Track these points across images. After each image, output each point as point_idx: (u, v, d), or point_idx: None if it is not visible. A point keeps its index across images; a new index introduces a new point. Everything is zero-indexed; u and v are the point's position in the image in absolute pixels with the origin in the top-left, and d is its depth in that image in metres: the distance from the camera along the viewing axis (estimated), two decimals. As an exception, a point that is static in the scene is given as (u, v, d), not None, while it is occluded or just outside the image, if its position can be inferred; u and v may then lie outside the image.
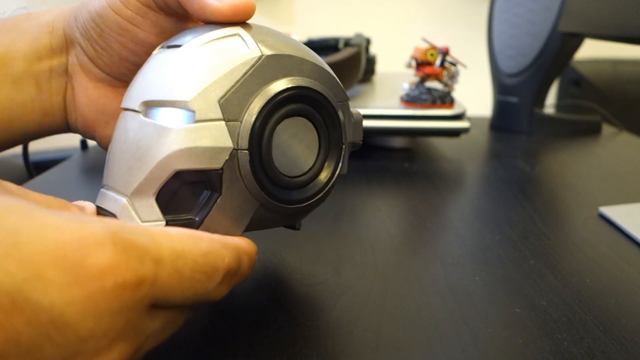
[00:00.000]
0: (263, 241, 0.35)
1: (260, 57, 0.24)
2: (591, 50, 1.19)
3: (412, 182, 0.49)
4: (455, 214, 0.42)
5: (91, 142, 0.60)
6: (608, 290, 0.31)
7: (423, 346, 0.25)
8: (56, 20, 0.30)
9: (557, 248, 0.36)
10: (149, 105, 0.23)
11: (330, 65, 0.56)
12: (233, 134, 0.23)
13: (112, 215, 0.23)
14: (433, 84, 0.59)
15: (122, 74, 0.30)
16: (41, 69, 0.30)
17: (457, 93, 0.84)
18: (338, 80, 0.27)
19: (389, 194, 0.46)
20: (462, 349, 0.25)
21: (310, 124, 0.25)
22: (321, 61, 0.26)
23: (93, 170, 0.52)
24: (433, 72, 0.56)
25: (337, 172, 0.27)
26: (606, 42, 0.57)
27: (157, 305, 0.19)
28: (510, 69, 0.72)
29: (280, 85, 0.24)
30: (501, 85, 0.74)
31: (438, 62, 0.56)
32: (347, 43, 0.68)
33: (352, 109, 0.28)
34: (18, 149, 0.59)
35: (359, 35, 0.71)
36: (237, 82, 0.23)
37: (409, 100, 0.57)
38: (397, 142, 0.62)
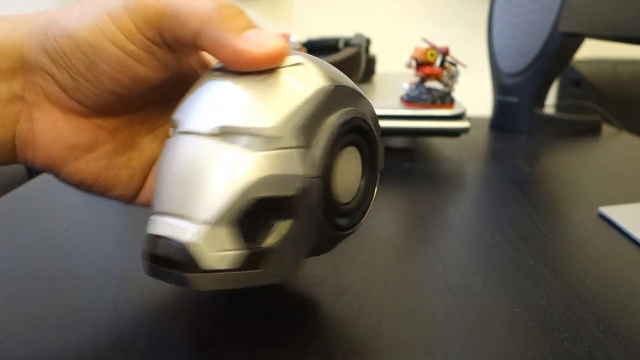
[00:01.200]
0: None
1: (325, 87, 0.24)
2: (591, 50, 1.19)
3: (412, 182, 0.49)
4: (455, 214, 0.42)
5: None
6: (608, 290, 0.31)
7: (423, 346, 0.25)
8: (6, 38, 0.24)
9: (557, 248, 0.36)
10: (226, 131, 0.23)
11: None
12: (305, 161, 0.23)
13: (180, 245, 0.22)
14: (433, 84, 0.59)
15: (103, 106, 0.26)
16: None
17: (457, 93, 0.84)
18: (376, 116, 0.28)
19: (389, 194, 0.46)
20: (462, 349, 0.25)
21: (358, 153, 0.26)
22: (360, 90, 0.27)
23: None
24: (433, 72, 0.56)
25: (374, 199, 0.28)
26: (606, 42, 0.57)
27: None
28: (510, 69, 0.72)
29: (343, 115, 0.24)
30: (501, 85, 0.74)
31: (438, 62, 0.56)
32: (347, 43, 0.68)
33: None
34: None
35: (359, 35, 0.71)
36: (310, 111, 0.23)
37: (409, 100, 0.57)
38: (397, 142, 0.62)
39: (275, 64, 0.23)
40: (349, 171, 0.26)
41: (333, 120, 0.24)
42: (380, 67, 0.82)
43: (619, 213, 0.41)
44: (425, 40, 0.59)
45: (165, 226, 0.23)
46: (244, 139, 0.22)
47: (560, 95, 1.34)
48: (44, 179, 0.49)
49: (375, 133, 0.27)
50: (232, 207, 0.22)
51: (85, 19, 0.24)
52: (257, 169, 0.22)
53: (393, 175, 0.51)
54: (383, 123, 0.54)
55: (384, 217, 0.40)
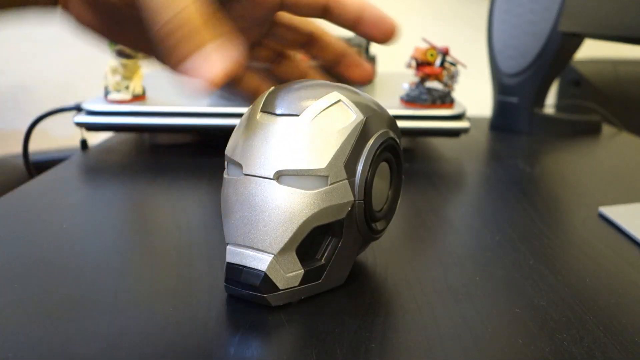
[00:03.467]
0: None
1: (361, 120, 0.28)
2: (591, 50, 1.19)
3: (412, 182, 0.49)
4: (455, 214, 0.42)
5: (91, 142, 0.60)
6: (608, 290, 0.31)
7: (423, 346, 0.25)
8: None
9: (557, 248, 0.36)
10: (286, 174, 0.26)
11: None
12: (352, 188, 0.28)
13: (260, 274, 0.26)
14: (433, 84, 0.59)
15: None
16: None
17: (457, 93, 0.84)
18: (395, 120, 0.31)
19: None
20: (462, 349, 0.25)
21: (387, 166, 0.30)
22: (383, 107, 0.30)
23: (93, 171, 0.52)
24: (433, 72, 0.56)
25: (399, 200, 0.32)
26: (606, 42, 0.57)
27: None
28: (510, 69, 0.72)
29: (377, 141, 0.28)
30: (501, 85, 0.74)
31: (438, 62, 0.56)
32: (347, 43, 0.68)
33: None
34: (18, 149, 0.58)
35: (359, 35, 0.71)
36: (352, 144, 0.27)
37: (409, 100, 0.57)
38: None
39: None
40: (381, 184, 0.30)
41: (369, 146, 0.28)
42: (380, 67, 0.82)
43: (619, 213, 0.41)
44: (425, 40, 0.59)
45: (243, 257, 0.27)
46: (301, 180, 0.26)
47: (560, 95, 1.33)
48: (44, 178, 0.49)
49: (399, 143, 0.31)
50: (296, 237, 0.26)
51: None
52: (314, 204, 0.26)
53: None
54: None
55: (384, 217, 0.40)
